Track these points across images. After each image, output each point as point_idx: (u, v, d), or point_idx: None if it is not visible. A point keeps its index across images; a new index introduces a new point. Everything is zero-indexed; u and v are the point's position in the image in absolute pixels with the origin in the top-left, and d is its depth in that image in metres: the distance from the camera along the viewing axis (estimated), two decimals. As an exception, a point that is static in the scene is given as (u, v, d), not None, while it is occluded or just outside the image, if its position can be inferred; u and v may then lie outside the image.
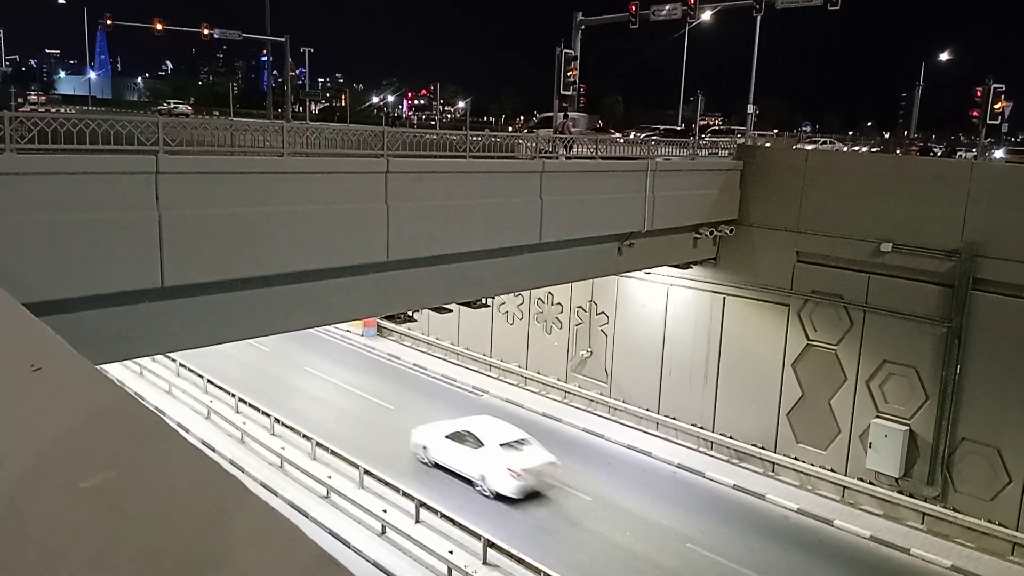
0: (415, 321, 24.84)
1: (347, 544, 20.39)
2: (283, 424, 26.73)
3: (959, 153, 50.26)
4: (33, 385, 1.72)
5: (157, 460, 1.41)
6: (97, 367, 1.84)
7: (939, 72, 54.08)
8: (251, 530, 1.17)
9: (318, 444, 24.89)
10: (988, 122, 32.75)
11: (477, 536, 19.61)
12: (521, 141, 17.91)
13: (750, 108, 37.41)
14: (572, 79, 28.97)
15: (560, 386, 30.87)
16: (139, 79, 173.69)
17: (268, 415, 27.27)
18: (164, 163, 12.21)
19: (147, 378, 32.33)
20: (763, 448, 25.20)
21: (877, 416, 22.80)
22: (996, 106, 32.31)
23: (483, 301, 21.87)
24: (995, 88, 32.03)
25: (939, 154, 48.91)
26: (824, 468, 23.88)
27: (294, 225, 14.14)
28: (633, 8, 29.89)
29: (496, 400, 30.96)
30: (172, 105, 73.12)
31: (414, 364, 35.21)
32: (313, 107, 77.80)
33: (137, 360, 31.51)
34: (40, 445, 1.44)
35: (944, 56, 53.00)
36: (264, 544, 1.14)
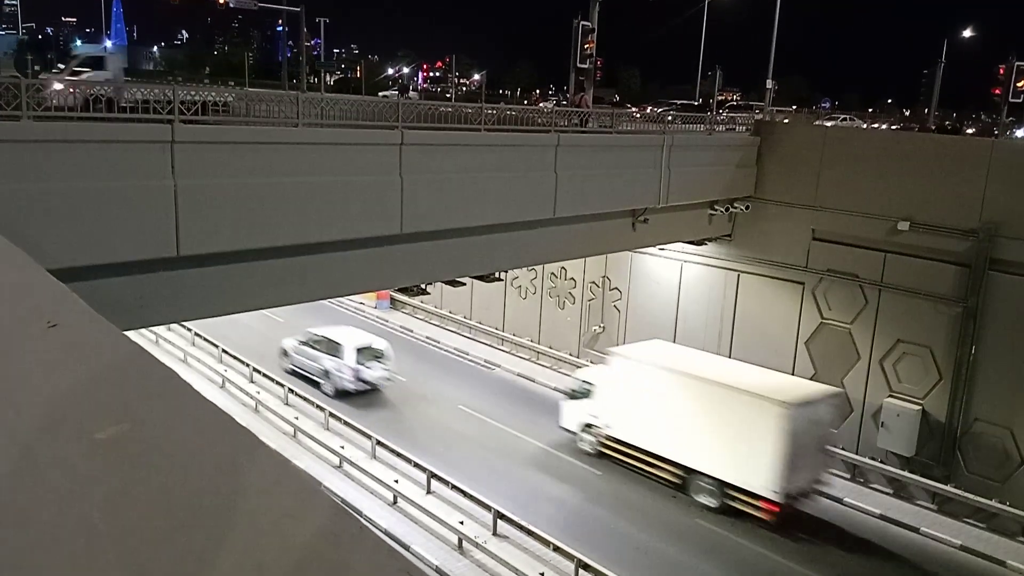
0: (428, 294, 24.86)
1: (359, 513, 20.58)
2: (296, 394, 26.97)
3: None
4: (49, 340, 1.74)
5: (171, 413, 1.43)
6: (111, 324, 1.86)
7: (962, 49, 53.11)
8: (264, 480, 1.19)
9: (331, 415, 25.10)
10: (1010, 100, 32.31)
11: (488, 507, 19.77)
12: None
13: (769, 83, 36.99)
14: (588, 52, 28.58)
15: (572, 360, 30.89)
16: (155, 48, 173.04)
17: (282, 385, 27.51)
18: (180, 132, 12.23)
19: (162, 347, 32.61)
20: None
21: (890, 395, 22.74)
22: (1019, 84, 31.85)
23: (496, 275, 21.86)
24: (1018, 66, 31.55)
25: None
26: (836, 446, 23.84)
27: (308, 196, 14.16)
28: (652, -20, 29.48)
29: (508, 374, 31.06)
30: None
31: (427, 337, 35.32)
32: (328, 78, 78.00)
33: (153, 329, 31.76)
34: (55, 397, 1.46)
35: (967, 33, 52.12)
36: (277, 493, 1.16)
